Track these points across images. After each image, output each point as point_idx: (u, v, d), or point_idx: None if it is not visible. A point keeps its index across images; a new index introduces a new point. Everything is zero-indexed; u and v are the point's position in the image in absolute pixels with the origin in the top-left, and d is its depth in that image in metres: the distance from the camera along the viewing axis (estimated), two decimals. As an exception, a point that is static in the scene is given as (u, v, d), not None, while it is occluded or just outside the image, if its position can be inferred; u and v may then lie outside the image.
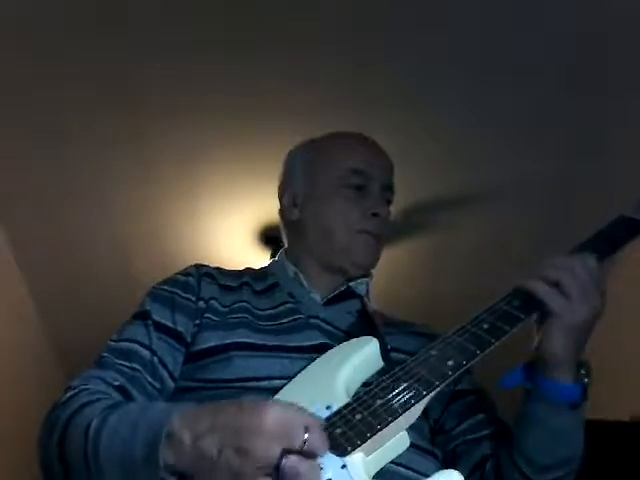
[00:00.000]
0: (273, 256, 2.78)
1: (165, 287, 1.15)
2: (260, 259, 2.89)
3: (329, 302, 1.18)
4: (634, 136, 2.42)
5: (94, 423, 0.86)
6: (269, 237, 2.89)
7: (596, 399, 3.20)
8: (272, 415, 0.74)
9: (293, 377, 1.00)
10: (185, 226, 2.88)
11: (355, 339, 1.03)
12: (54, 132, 2.47)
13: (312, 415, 0.79)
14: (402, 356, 1.08)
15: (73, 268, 3.05)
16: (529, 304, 0.97)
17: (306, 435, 0.73)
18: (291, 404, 0.79)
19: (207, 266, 1.22)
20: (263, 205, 2.69)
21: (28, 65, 2.21)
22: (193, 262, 1.22)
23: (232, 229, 2.89)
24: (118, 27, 2.12)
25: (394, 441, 0.87)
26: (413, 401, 0.87)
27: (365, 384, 0.97)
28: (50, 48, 2.16)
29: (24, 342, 3.21)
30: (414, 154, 2.48)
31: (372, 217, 1.20)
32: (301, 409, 0.79)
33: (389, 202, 1.26)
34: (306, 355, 1.04)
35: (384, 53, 2.21)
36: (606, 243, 1.06)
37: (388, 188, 1.25)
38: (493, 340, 0.93)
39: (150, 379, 1.05)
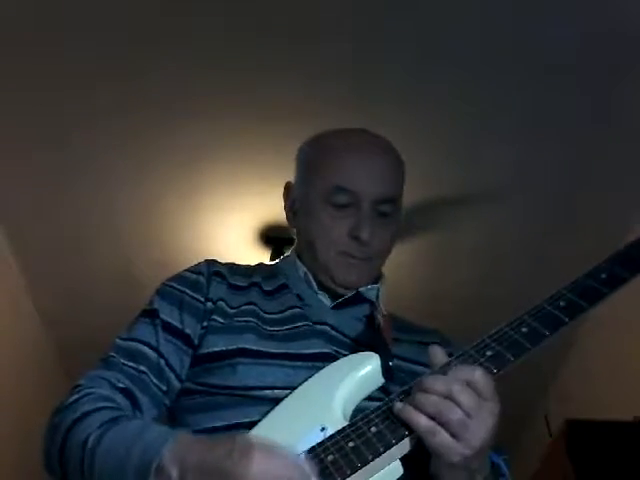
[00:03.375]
0: (273, 256, 2.80)
1: (174, 284, 1.14)
2: (260, 259, 2.88)
3: (338, 306, 1.15)
4: (634, 136, 2.42)
5: (91, 439, 0.88)
6: (270, 237, 2.89)
7: (599, 400, 3.20)
8: (258, 465, 0.75)
9: (295, 387, 1.00)
10: (186, 226, 2.88)
11: (357, 354, 1.02)
12: (54, 132, 2.47)
13: (300, 465, 0.79)
14: (408, 365, 1.09)
15: (73, 267, 3.05)
16: (534, 333, 0.93)
17: None
18: (281, 451, 0.79)
19: (218, 263, 1.19)
20: (264, 205, 2.69)
21: (28, 65, 2.21)
22: (194, 261, 1.20)
23: (233, 229, 2.89)
24: (118, 27, 2.12)
25: (386, 471, 0.86)
26: (407, 432, 0.86)
27: (368, 399, 0.97)
28: (50, 48, 2.16)
29: (24, 341, 3.21)
30: (414, 154, 2.47)
31: (354, 239, 1.13)
32: (289, 456, 0.79)
33: (385, 214, 1.16)
34: (310, 364, 1.04)
35: (384, 53, 2.21)
36: (627, 265, 1.00)
37: (383, 202, 1.15)
38: (495, 370, 0.91)
39: (156, 381, 1.04)
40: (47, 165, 2.61)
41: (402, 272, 3.00)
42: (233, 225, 2.87)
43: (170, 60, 2.22)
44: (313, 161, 1.20)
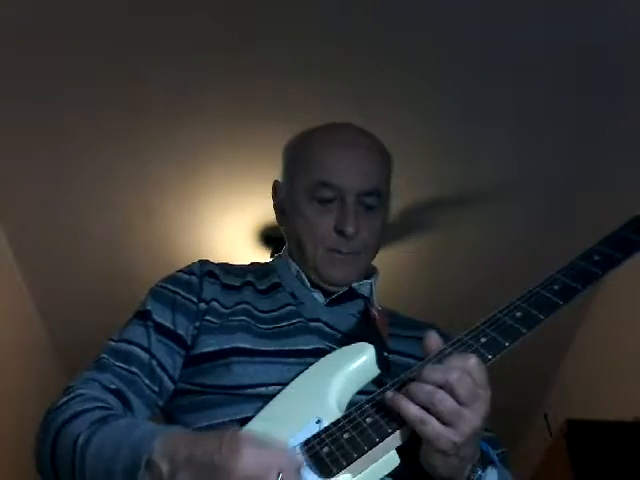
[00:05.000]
0: (273, 256, 2.80)
1: (167, 285, 1.14)
2: (260, 259, 2.88)
3: (332, 303, 1.15)
4: (634, 136, 2.42)
5: (81, 439, 0.88)
6: (269, 237, 2.89)
7: (599, 400, 3.19)
8: (247, 458, 0.75)
9: (288, 384, 0.99)
10: (186, 226, 2.88)
11: (351, 346, 1.01)
12: (54, 132, 2.47)
13: (289, 455, 0.80)
14: (404, 359, 1.08)
15: (73, 267, 3.05)
16: (528, 317, 0.93)
17: (280, 478, 0.75)
18: (269, 443, 0.80)
19: (211, 263, 1.20)
20: (263, 205, 2.68)
21: (28, 65, 2.21)
22: (193, 261, 1.21)
23: (232, 229, 2.89)
24: (118, 27, 2.12)
25: (383, 460, 0.86)
26: (402, 421, 0.86)
27: (361, 392, 0.97)
28: (50, 48, 2.16)
29: (24, 342, 3.20)
30: (414, 154, 2.48)
31: (340, 234, 1.12)
32: (278, 446, 0.80)
33: (371, 207, 1.15)
34: (304, 360, 1.03)
35: (384, 53, 2.21)
36: (620, 246, 1.00)
37: (368, 194, 1.14)
38: (490, 357, 0.90)
39: (148, 382, 1.04)
40: (47, 165, 2.61)
41: (401, 271, 3.00)
42: (233, 225, 2.87)
43: (170, 60, 2.22)
44: (297, 158, 1.20)
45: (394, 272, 2.93)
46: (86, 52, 2.18)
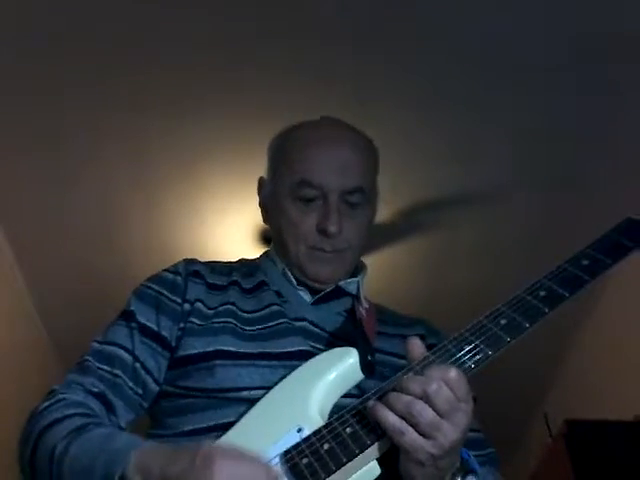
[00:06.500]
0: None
1: (152, 285, 1.13)
2: (260, 259, 2.88)
3: (318, 301, 1.14)
4: (634, 136, 2.42)
5: (59, 448, 0.89)
6: (269, 237, 2.88)
7: (600, 399, 3.18)
8: (221, 472, 0.75)
9: (272, 387, 0.98)
10: (185, 226, 2.88)
11: (334, 350, 1.00)
12: (54, 132, 2.47)
13: (265, 468, 0.79)
14: (389, 358, 1.08)
15: (73, 267, 3.05)
16: (513, 325, 0.92)
17: None
18: (245, 455, 0.79)
19: (197, 262, 1.19)
20: (263, 205, 2.68)
21: (28, 65, 2.21)
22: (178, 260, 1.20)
23: (232, 229, 2.89)
24: (118, 27, 2.12)
25: (363, 471, 0.86)
26: (381, 432, 0.85)
27: (345, 395, 0.97)
28: (50, 48, 2.16)
29: (24, 341, 3.20)
30: (414, 154, 2.48)
31: (322, 233, 1.11)
32: (254, 459, 0.79)
33: (355, 205, 1.13)
34: (287, 363, 1.02)
35: (384, 53, 2.21)
36: (610, 250, 0.98)
37: (351, 192, 1.12)
38: (473, 366, 0.89)
39: (132, 385, 1.04)
40: (47, 165, 2.60)
41: (401, 271, 3.00)
42: (233, 225, 2.87)
43: (170, 60, 2.22)
44: (280, 155, 1.19)
45: (394, 272, 2.92)
46: (86, 52, 2.18)
